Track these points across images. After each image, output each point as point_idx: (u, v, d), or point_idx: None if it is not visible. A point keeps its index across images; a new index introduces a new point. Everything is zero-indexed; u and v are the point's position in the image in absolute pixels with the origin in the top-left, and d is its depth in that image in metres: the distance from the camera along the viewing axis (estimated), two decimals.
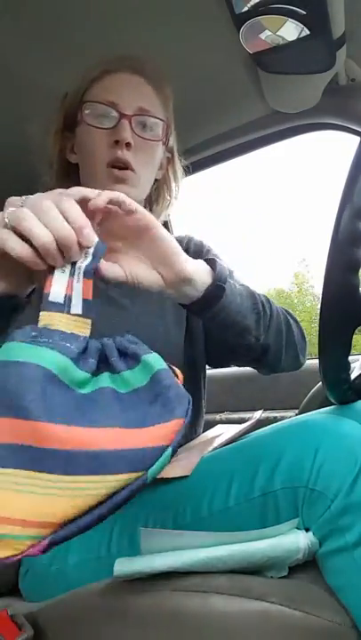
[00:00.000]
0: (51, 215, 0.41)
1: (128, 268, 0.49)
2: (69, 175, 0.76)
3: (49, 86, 0.79)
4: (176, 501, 0.54)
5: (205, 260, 0.56)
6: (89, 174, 0.72)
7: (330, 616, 0.45)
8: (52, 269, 0.41)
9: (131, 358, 0.40)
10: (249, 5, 0.70)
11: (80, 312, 0.41)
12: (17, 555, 0.33)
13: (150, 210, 0.83)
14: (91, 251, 0.42)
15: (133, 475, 0.34)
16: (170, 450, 0.36)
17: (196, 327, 0.79)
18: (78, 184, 0.76)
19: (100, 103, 0.68)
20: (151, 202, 0.82)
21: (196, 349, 0.79)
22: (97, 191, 0.46)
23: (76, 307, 0.41)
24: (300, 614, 0.45)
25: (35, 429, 0.33)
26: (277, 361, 0.69)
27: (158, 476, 0.55)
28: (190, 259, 0.53)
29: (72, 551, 0.58)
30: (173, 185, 0.82)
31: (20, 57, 0.85)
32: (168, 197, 0.83)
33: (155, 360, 0.39)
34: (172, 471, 0.56)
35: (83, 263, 0.42)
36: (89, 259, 0.42)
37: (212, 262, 0.56)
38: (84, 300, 0.41)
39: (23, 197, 0.44)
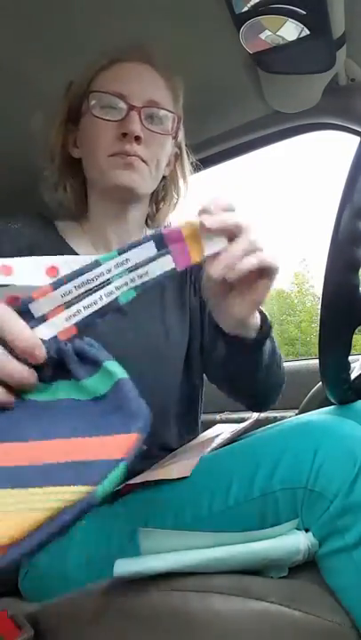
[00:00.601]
0: None
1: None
2: (71, 171, 0.73)
3: (49, 84, 0.79)
4: (176, 501, 0.54)
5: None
6: (93, 168, 0.69)
7: (330, 616, 0.46)
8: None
9: (90, 363, 0.37)
10: (249, 5, 0.70)
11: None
12: None
13: (157, 209, 0.80)
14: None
15: (83, 488, 0.30)
16: (123, 464, 0.31)
17: (195, 326, 0.78)
18: (80, 180, 0.74)
19: (108, 93, 0.65)
20: (158, 200, 0.80)
21: (193, 350, 0.78)
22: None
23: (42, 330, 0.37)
24: (300, 614, 0.45)
25: None
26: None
27: (158, 478, 0.56)
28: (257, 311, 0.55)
29: (72, 551, 0.58)
30: (181, 182, 0.79)
31: (19, 56, 0.84)
32: (176, 196, 0.79)
33: (116, 368, 0.36)
34: (172, 472, 0.56)
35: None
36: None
37: (263, 317, 0.58)
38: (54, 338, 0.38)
39: None
